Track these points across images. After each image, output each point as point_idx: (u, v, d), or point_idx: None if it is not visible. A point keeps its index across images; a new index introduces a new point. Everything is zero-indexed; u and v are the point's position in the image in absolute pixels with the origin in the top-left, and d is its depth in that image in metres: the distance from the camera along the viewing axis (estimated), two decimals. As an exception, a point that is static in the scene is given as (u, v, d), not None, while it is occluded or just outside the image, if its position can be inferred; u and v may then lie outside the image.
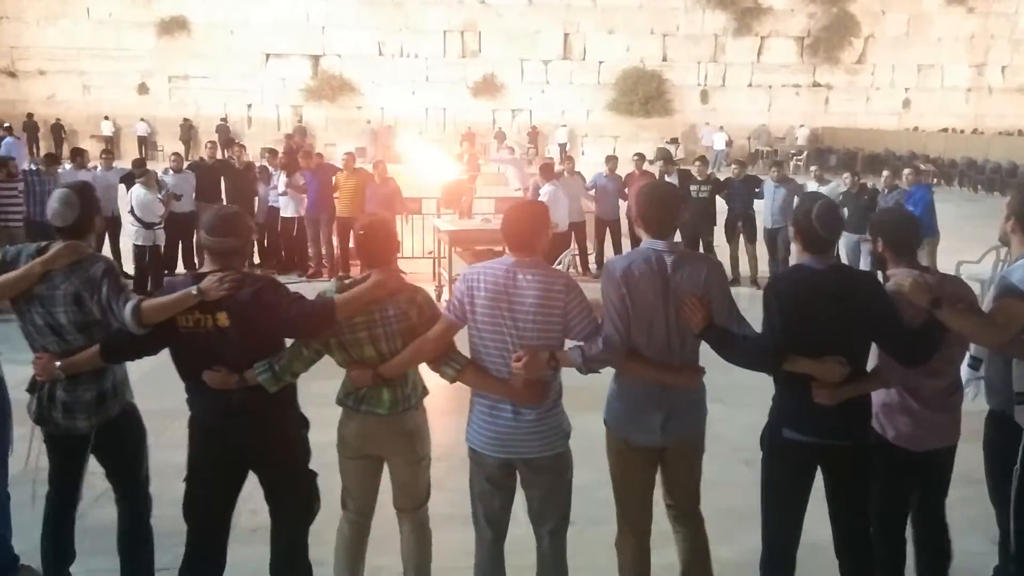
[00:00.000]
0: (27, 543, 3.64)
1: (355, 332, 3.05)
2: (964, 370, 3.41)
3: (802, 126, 29.30)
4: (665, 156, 12.88)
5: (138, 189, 9.48)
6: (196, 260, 10.76)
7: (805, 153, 27.15)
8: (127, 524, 3.45)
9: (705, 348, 3.07)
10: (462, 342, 3.14)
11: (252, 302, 2.96)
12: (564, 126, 28.47)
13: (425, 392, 3.31)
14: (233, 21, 27.35)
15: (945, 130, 27.73)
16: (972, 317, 3.06)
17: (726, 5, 28.53)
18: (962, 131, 27.74)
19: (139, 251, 9.50)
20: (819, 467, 3.14)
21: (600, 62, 28.80)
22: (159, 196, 9.60)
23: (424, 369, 3.24)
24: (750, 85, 29.61)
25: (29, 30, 27.05)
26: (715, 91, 29.53)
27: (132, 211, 9.43)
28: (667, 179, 11.14)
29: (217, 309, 2.96)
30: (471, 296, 2.98)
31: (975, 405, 3.43)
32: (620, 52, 28.69)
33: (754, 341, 2.98)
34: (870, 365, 3.17)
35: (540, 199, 9.66)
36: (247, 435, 3.09)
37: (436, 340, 3.05)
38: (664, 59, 29.01)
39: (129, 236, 9.53)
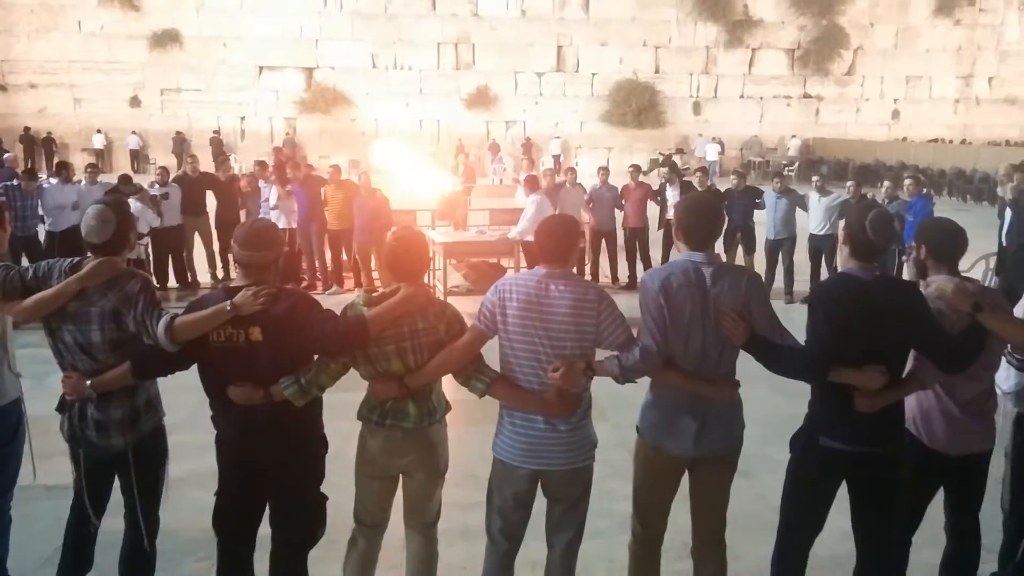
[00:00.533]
0: (22, 563, 3.62)
1: (383, 345, 3.02)
2: (1013, 373, 3.43)
3: (793, 136, 29.50)
4: (671, 165, 12.82)
5: (133, 201, 9.46)
6: (188, 274, 10.76)
7: (797, 164, 27.28)
8: (132, 541, 3.36)
9: (742, 363, 3.08)
10: (491, 356, 3.11)
11: (287, 317, 2.94)
12: (558, 137, 28.55)
13: (448, 407, 3.27)
14: (226, 34, 27.35)
15: (934, 140, 27.92)
16: (1012, 321, 3.14)
17: (717, 18, 28.74)
18: (951, 141, 27.93)
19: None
20: (846, 477, 3.17)
21: (593, 74, 28.94)
22: (151, 201, 9.59)
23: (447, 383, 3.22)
24: (742, 96, 29.81)
25: (19, 43, 26.97)
26: (707, 102, 29.70)
27: None
28: (669, 188, 11.17)
29: (250, 324, 2.94)
30: (503, 307, 2.98)
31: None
32: (613, 64, 28.84)
33: (800, 351, 3.00)
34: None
35: (526, 209, 9.62)
36: (270, 451, 3.06)
37: (464, 349, 3.04)
38: (657, 71, 29.17)
39: None
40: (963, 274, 3.27)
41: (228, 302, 2.92)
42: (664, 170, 13.86)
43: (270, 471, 3.11)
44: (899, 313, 2.98)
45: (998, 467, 3.49)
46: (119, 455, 3.21)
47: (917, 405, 3.25)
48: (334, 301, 4.66)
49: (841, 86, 30.08)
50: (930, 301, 3.09)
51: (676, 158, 24.44)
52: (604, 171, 11.38)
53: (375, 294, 3.09)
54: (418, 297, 3.03)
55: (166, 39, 27.14)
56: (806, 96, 30.09)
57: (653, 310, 2.96)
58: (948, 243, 3.23)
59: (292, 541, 3.18)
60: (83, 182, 10.45)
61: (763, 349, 2.98)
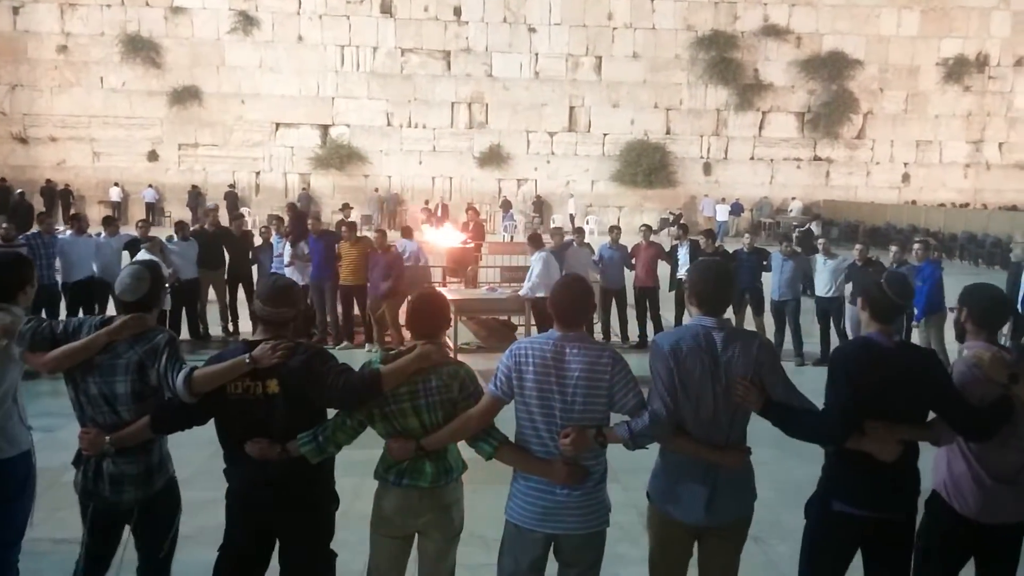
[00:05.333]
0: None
1: (399, 403, 3.05)
2: None
3: (794, 199, 29.60)
4: (683, 226, 12.99)
5: (143, 254, 9.42)
6: (200, 327, 10.78)
7: (807, 226, 27.28)
8: None
9: (752, 427, 3.05)
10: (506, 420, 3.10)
11: (303, 370, 3.01)
12: (572, 196, 28.81)
13: (465, 467, 3.27)
14: (244, 91, 27.95)
15: (943, 205, 27.98)
16: None
17: (728, 81, 29.17)
18: (964, 205, 27.97)
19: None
20: (862, 545, 3.11)
21: (605, 134, 29.31)
22: (160, 253, 9.58)
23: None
24: (752, 158, 30.07)
25: (42, 98, 27.58)
26: (717, 163, 29.96)
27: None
28: (680, 248, 11.23)
29: (268, 376, 3.02)
30: (519, 372, 2.99)
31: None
32: (624, 125, 29.22)
33: (820, 416, 2.98)
34: None
35: (533, 266, 9.64)
36: (278, 506, 3.08)
37: (481, 416, 3.05)
38: (667, 132, 29.53)
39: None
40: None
41: (247, 355, 3.01)
42: (675, 230, 13.95)
43: (279, 527, 3.14)
44: (919, 381, 2.98)
45: None
46: (128, 512, 3.25)
47: (947, 471, 3.18)
48: (345, 356, 4.65)
49: (851, 149, 30.33)
50: (964, 366, 3.07)
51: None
52: (615, 230, 11.52)
53: (392, 352, 3.15)
54: (433, 355, 3.07)
55: (186, 96, 27.71)
56: (816, 159, 30.32)
57: (663, 374, 2.97)
58: (991, 310, 3.22)
59: None
60: (102, 234, 10.49)
61: (781, 415, 2.98)
